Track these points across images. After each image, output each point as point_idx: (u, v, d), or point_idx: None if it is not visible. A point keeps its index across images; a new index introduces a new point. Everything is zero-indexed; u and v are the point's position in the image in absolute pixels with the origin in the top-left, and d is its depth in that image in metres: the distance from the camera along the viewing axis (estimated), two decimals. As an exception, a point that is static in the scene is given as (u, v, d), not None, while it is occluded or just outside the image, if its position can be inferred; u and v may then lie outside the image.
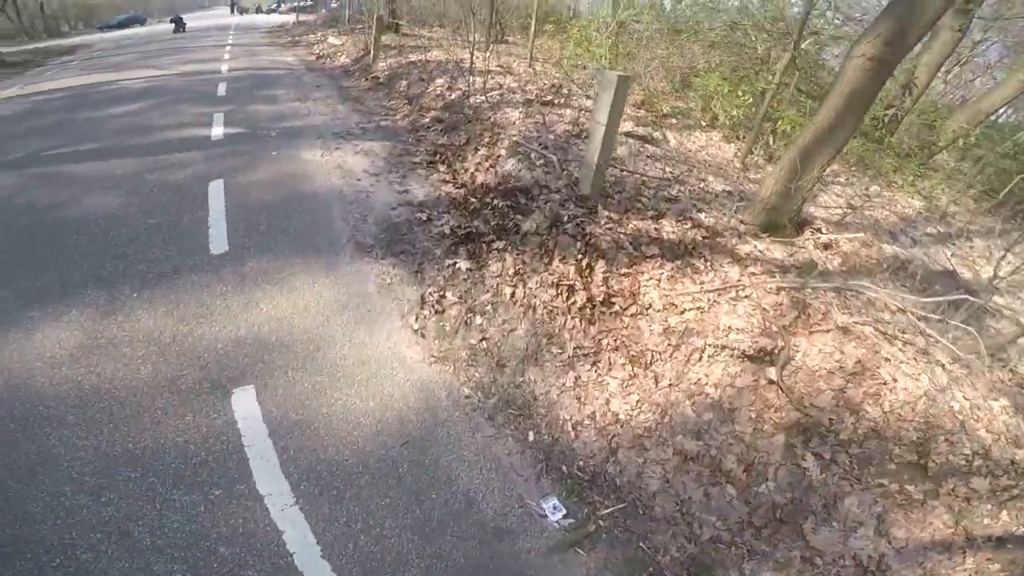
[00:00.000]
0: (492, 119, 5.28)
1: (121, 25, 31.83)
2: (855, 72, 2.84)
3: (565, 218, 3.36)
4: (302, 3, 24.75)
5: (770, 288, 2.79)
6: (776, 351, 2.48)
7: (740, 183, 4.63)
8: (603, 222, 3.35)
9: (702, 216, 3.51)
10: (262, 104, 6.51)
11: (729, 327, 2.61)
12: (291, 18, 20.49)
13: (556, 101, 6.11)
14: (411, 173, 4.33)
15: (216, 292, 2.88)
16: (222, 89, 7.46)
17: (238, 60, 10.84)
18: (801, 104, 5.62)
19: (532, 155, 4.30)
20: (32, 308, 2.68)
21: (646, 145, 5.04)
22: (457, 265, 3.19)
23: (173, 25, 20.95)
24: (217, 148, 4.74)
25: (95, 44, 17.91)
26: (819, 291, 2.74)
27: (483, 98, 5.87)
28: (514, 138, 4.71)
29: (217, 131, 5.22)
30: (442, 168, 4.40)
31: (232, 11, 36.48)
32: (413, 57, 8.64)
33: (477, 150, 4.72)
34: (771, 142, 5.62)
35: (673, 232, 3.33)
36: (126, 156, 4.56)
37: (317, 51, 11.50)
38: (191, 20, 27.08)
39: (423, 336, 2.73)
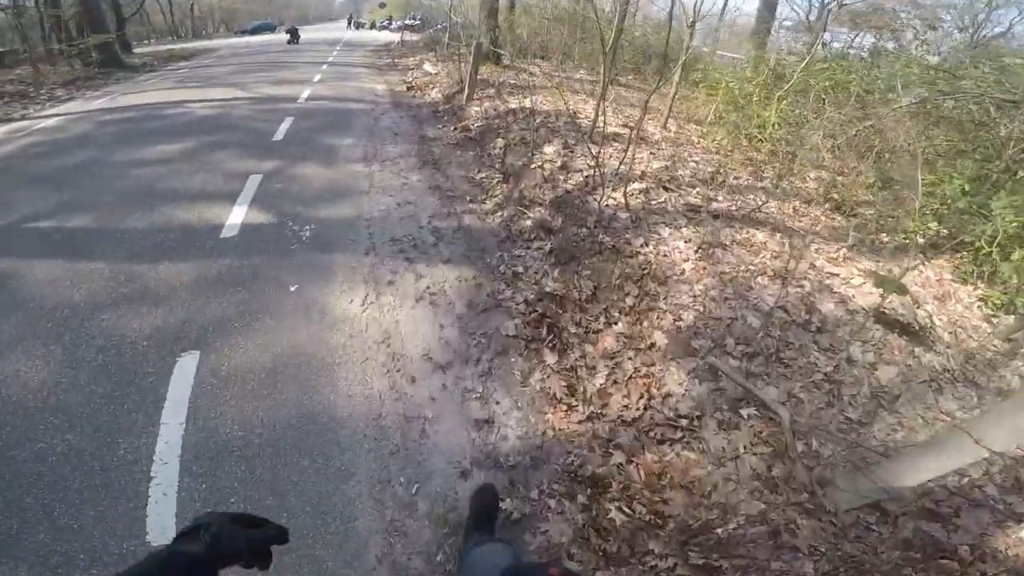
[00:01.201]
0: (637, 251, 3.22)
1: (254, 31, 34.43)
2: None
3: None
4: (411, 21, 24.73)
5: None
6: None
7: None
8: None
9: None
10: (316, 164, 4.99)
11: None
12: (398, 37, 20.18)
13: (733, 210, 3.90)
14: (499, 362, 2.41)
15: None
16: (283, 129, 6.14)
17: (325, 84, 9.84)
18: None
19: (727, 379, 2.18)
20: None
21: (915, 350, 2.66)
22: None
23: (288, 36, 21.44)
24: (220, 260, 3.12)
25: (217, 50, 18.59)
26: None
27: (618, 197, 3.81)
28: (683, 315, 2.60)
29: (236, 218, 3.66)
30: (549, 358, 2.42)
31: (349, 25, 38.36)
32: (513, 103, 6.86)
33: (611, 321, 2.68)
34: None
35: None
36: (103, 256, 3.08)
37: (410, 79, 10.26)
38: (314, 31, 28.29)
39: None
